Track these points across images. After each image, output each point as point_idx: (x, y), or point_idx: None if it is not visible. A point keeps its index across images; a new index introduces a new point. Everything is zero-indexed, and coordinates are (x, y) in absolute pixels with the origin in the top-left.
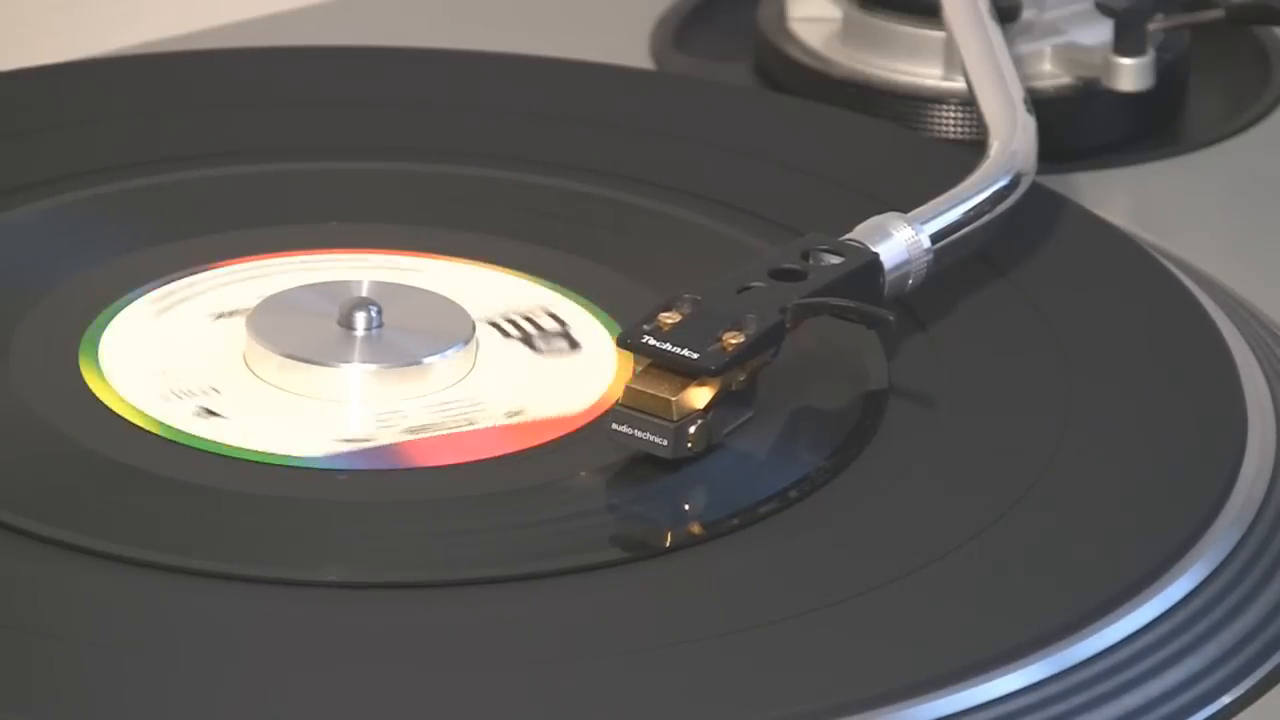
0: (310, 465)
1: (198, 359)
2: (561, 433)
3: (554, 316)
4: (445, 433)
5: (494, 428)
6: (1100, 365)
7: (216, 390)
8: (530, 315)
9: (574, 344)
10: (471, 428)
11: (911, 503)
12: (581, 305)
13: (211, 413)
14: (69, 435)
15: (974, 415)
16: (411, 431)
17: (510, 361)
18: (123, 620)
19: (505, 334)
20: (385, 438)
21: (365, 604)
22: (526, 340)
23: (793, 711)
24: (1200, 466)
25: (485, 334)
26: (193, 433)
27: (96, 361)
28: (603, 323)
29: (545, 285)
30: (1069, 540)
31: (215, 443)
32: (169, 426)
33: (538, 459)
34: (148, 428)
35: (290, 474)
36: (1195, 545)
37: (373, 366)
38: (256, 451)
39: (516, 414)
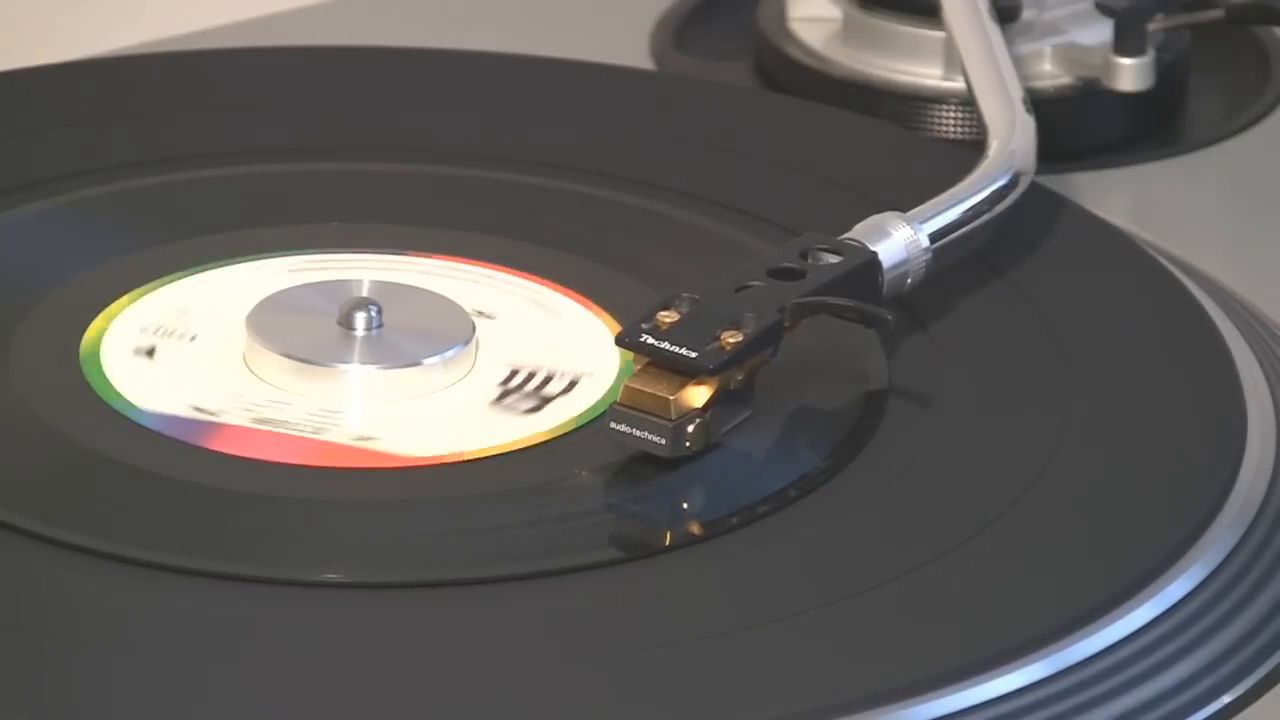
0: (137, 420)
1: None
2: (371, 465)
3: (557, 380)
4: (283, 431)
5: (327, 444)
6: (1100, 365)
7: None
8: (541, 372)
9: (538, 408)
10: (315, 436)
11: (911, 503)
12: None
13: (209, 413)
14: (69, 435)
15: (973, 415)
16: (260, 421)
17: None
18: (123, 620)
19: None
20: (231, 419)
21: (365, 604)
22: (504, 394)
23: (793, 711)
24: (1200, 466)
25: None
26: None
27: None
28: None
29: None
30: (1069, 540)
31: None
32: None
33: (537, 459)
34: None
35: (291, 474)
36: (1195, 545)
37: (372, 366)
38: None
39: (363, 439)
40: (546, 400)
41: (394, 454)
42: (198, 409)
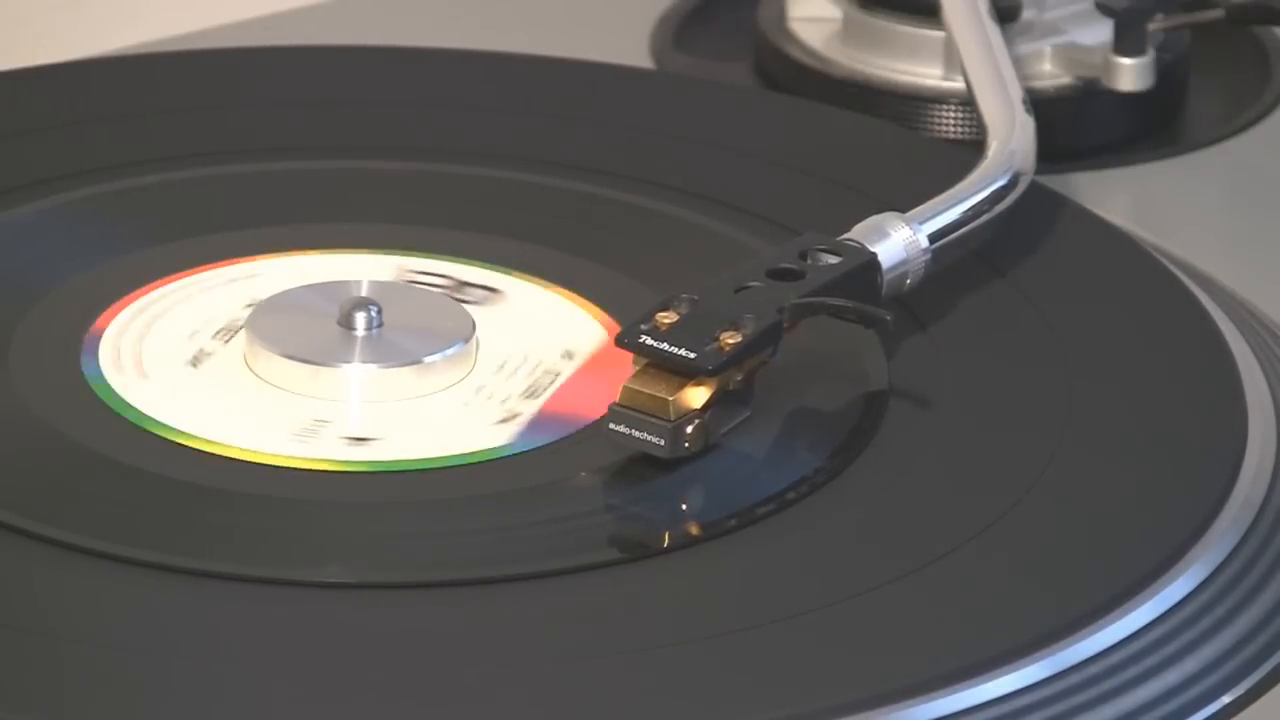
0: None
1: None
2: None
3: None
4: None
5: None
6: (1100, 365)
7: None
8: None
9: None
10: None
11: (911, 503)
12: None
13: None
14: (69, 435)
15: (974, 415)
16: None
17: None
18: (123, 620)
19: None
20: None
21: (365, 604)
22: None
23: (792, 711)
24: (1200, 467)
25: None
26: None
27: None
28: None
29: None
30: (1069, 540)
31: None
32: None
33: (537, 459)
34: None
35: (291, 474)
36: (1195, 545)
37: (373, 366)
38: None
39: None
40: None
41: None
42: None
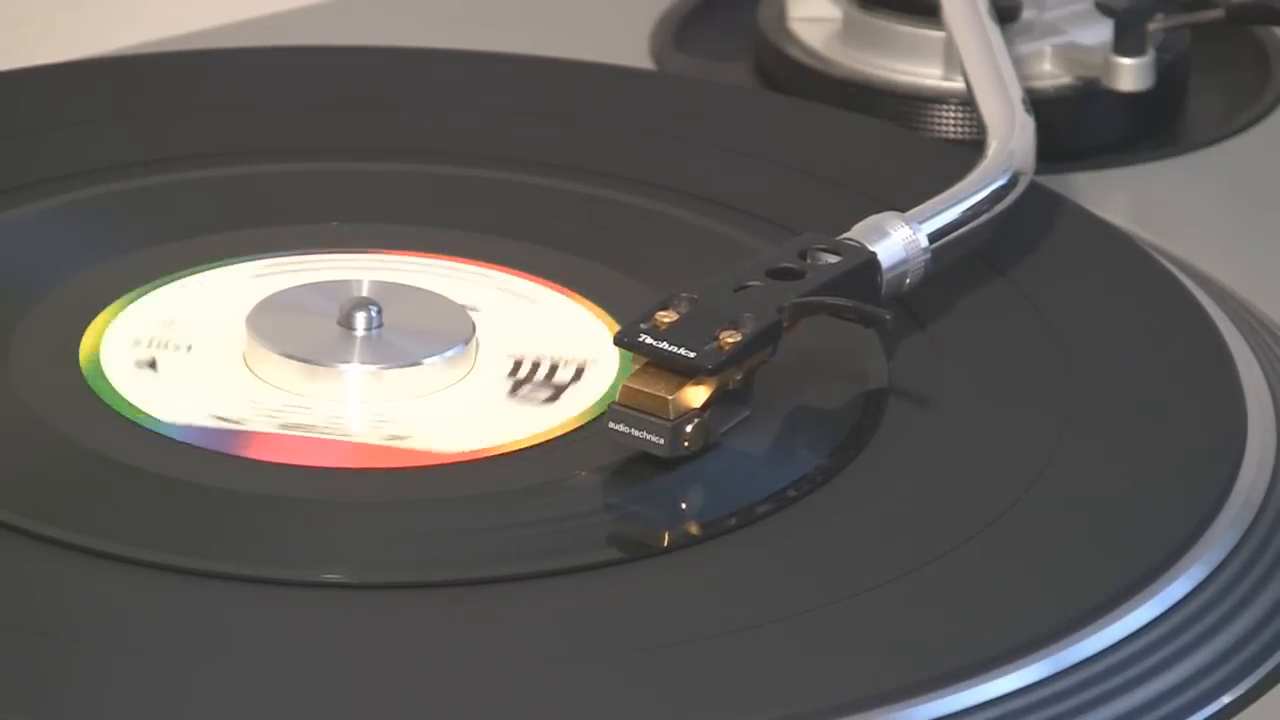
0: (160, 431)
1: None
2: (419, 464)
3: (566, 367)
4: (314, 435)
5: (361, 445)
6: (1100, 365)
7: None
8: (547, 361)
9: (554, 397)
10: (344, 438)
11: (911, 503)
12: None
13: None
14: (69, 435)
15: (974, 415)
16: (286, 426)
17: (473, 394)
18: (123, 620)
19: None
20: (257, 425)
21: (365, 604)
22: (516, 384)
23: (792, 711)
24: (1200, 466)
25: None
26: None
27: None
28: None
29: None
30: (1069, 540)
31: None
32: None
33: (536, 459)
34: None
35: (291, 474)
36: (1195, 545)
37: (372, 367)
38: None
39: (395, 438)
40: (561, 389)
41: (425, 450)
42: (219, 418)
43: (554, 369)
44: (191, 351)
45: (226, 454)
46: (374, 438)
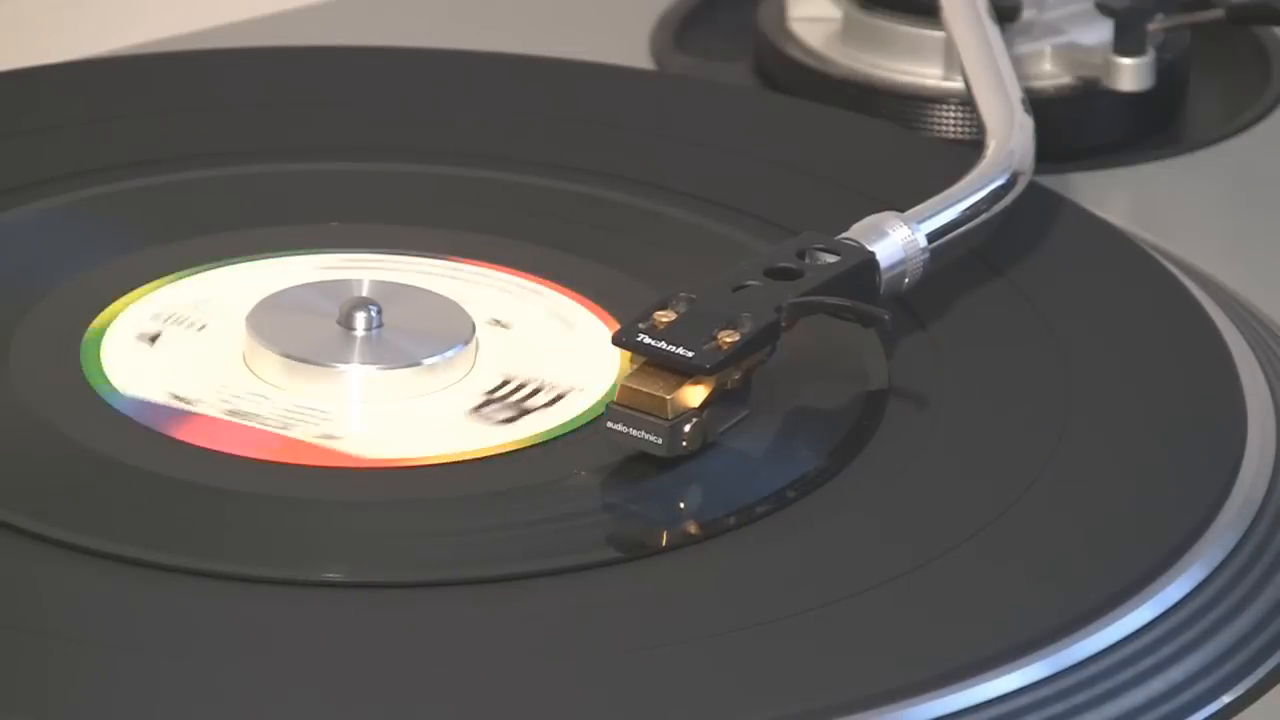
0: (112, 403)
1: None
2: (330, 464)
3: (545, 392)
4: (255, 425)
5: (290, 440)
6: (1100, 365)
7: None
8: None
9: (514, 418)
10: (280, 431)
11: (910, 502)
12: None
13: (186, 401)
14: (69, 435)
15: (973, 415)
16: (234, 413)
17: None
18: (123, 620)
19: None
20: (208, 409)
21: (364, 604)
22: (486, 402)
23: (791, 711)
24: (1200, 466)
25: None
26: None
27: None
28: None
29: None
30: (1069, 540)
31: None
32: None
33: (535, 459)
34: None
35: (291, 473)
36: (1195, 545)
37: (372, 367)
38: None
39: (328, 437)
40: (526, 412)
41: (354, 454)
42: (176, 396)
43: (534, 392)
44: (202, 331)
45: (155, 430)
46: (307, 434)
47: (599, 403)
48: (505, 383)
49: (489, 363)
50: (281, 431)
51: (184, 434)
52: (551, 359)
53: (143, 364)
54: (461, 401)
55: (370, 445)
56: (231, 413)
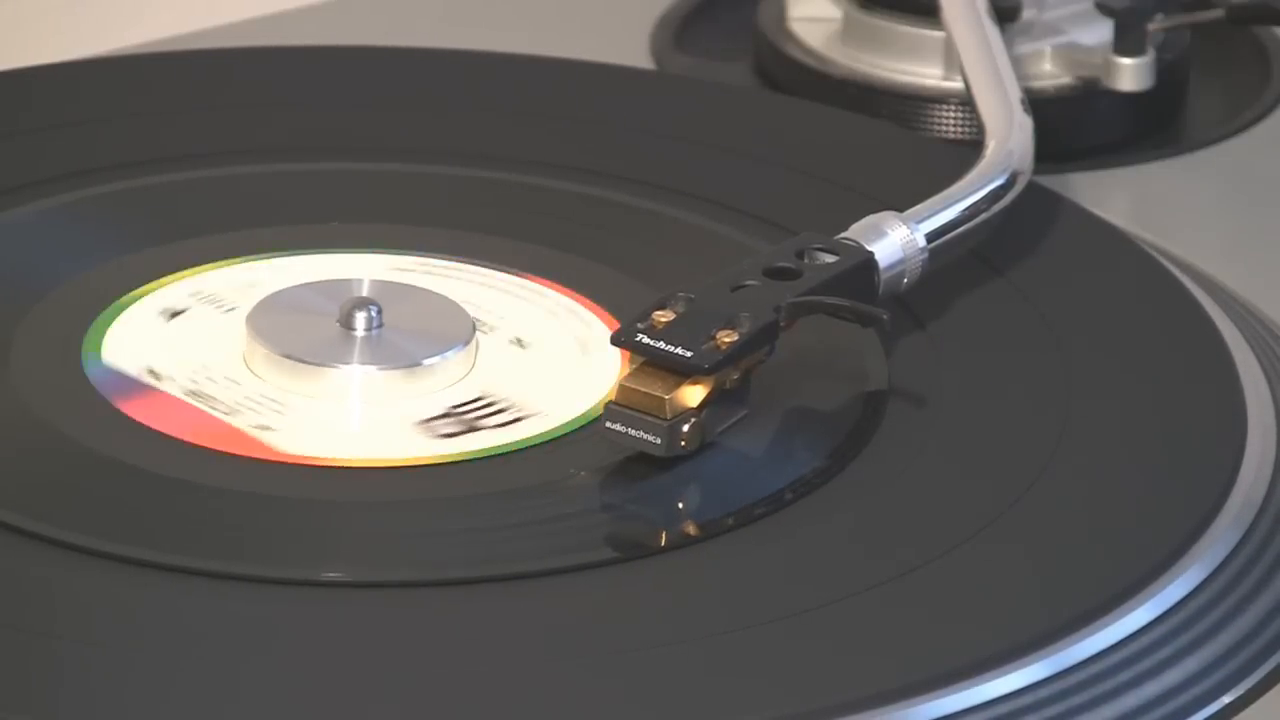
0: (85, 368)
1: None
2: (253, 455)
3: (504, 413)
4: (207, 409)
5: (228, 427)
6: (1100, 365)
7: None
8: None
9: (459, 433)
10: (224, 417)
11: (910, 503)
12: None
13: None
14: (69, 435)
15: (973, 415)
16: (194, 395)
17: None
18: (123, 620)
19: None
20: (171, 388)
21: (365, 604)
22: (443, 414)
23: (792, 711)
24: (1200, 466)
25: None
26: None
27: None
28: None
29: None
30: (1068, 540)
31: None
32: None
33: (535, 459)
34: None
35: (291, 473)
36: (1195, 545)
37: (372, 367)
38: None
39: (262, 428)
40: (473, 429)
41: (279, 449)
42: (150, 371)
43: (494, 411)
44: (230, 314)
45: (108, 402)
46: (246, 424)
47: (551, 431)
48: (478, 399)
49: (482, 375)
50: (225, 418)
51: (132, 408)
52: (544, 383)
53: (146, 336)
54: (423, 409)
55: (296, 441)
56: (192, 394)
